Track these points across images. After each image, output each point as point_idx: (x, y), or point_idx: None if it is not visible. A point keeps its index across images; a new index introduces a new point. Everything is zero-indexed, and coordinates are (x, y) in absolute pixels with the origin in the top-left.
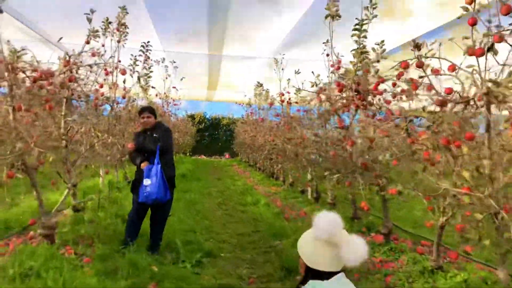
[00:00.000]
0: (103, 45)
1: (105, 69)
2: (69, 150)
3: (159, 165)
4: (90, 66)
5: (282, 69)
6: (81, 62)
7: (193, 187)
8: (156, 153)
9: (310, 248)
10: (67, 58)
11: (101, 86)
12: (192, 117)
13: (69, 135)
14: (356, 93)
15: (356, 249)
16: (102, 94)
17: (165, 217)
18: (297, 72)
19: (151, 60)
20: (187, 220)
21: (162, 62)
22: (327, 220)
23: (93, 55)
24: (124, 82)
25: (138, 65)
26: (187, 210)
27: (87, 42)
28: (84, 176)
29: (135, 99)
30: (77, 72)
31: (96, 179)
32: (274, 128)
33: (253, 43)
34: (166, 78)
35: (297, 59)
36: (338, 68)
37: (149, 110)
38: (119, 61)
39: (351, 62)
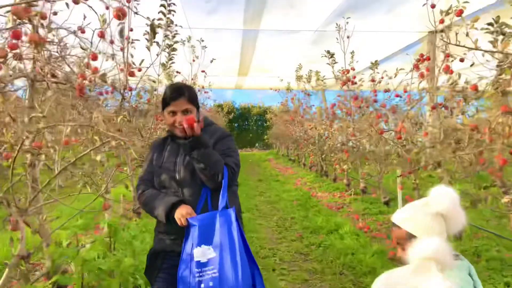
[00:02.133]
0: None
1: (101, 33)
2: (36, 174)
3: (233, 212)
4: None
5: (348, 36)
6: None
7: None
8: (223, 184)
9: (426, 224)
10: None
11: (94, 58)
12: (220, 107)
13: (33, 145)
14: None
15: (461, 219)
16: (96, 71)
17: None
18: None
19: (175, 25)
20: None
21: (188, 41)
22: (450, 197)
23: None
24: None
25: (157, 32)
26: None
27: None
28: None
29: (156, 88)
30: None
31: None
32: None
33: (299, 11)
34: (194, 60)
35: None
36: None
37: (187, 93)
38: (131, 30)
39: None
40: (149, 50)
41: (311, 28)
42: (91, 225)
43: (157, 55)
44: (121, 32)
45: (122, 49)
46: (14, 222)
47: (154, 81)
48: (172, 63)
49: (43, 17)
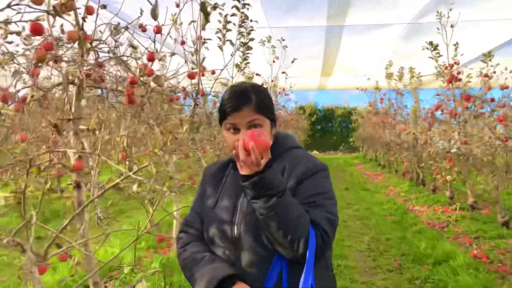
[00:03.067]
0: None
1: (157, 28)
2: (82, 196)
3: None
4: None
5: (451, 26)
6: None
7: None
8: (308, 258)
9: None
10: None
11: (151, 58)
12: (302, 109)
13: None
14: None
15: None
16: (151, 73)
17: None
18: None
19: (251, 20)
20: None
21: (268, 41)
22: None
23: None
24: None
25: (230, 29)
26: None
27: None
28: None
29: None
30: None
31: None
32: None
33: (389, 3)
34: (274, 61)
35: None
36: None
37: (254, 98)
38: (203, 29)
39: None
40: (221, 50)
41: (403, 21)
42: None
43: (231, 55)
44: (153, 13)
45: (196, 51)
46: (28, 272)
47: (225, 84)
48: (247, 63)
49: (90, 11)
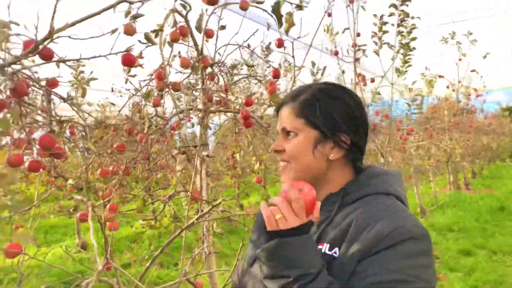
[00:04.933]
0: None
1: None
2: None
3: None
4: None
5: None
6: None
7: None
8: None
9: None
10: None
11: (276, 75)
12: (508, 110)
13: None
14: None
15: None
16: (272, 91)
17: None
18: None
19: (412, 17)
20: None
21: (452, 38)
22: None
23: None
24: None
25: (387, 31)
26: None
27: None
28: None
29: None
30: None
31: None
32: None
33: None
34: (460, 59)
35: None
36: None
37: (304, 96)
38: (358, 35)
39: None
40: (377, 54)
41: None
42: None
43: (392, 59)
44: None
45: (356, 60)
46: None
47: (378, 93)
48: (409, 66)
49: (209, 34)
